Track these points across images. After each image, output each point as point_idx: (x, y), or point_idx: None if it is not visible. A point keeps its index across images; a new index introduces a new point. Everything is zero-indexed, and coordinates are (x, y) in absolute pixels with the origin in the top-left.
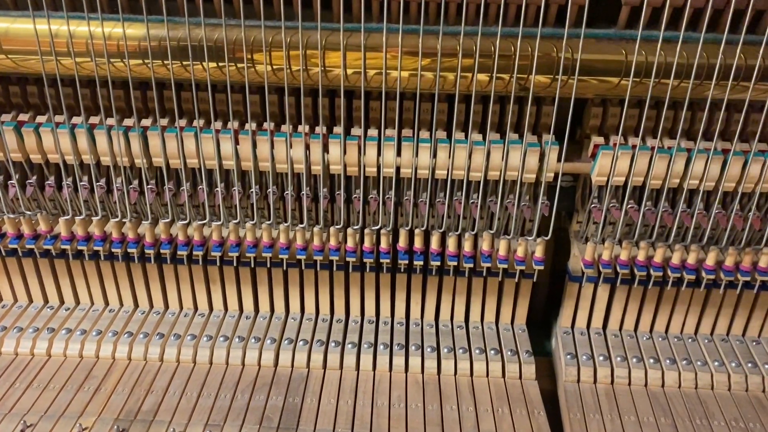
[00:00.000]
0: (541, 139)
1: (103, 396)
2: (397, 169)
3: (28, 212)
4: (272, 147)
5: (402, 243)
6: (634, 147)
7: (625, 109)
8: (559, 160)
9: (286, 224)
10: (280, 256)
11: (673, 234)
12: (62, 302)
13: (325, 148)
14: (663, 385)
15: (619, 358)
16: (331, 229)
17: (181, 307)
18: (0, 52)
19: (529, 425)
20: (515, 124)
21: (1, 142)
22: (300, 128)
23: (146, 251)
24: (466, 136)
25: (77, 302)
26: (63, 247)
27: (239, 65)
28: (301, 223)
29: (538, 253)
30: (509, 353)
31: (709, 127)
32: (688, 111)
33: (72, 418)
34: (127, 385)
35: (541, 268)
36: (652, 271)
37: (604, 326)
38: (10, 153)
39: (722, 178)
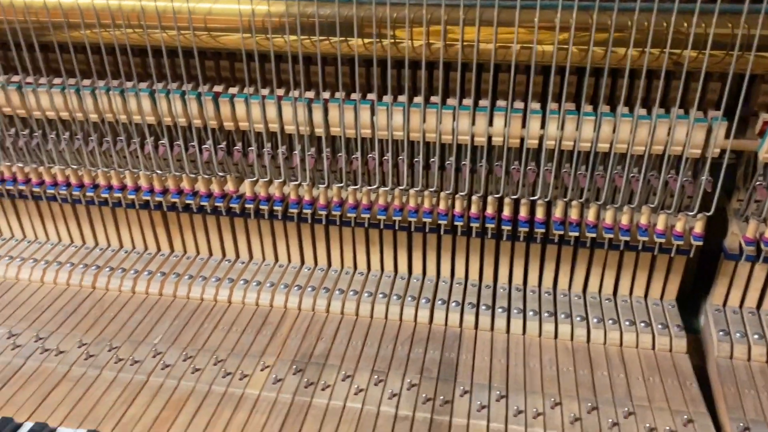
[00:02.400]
0: (706, 114)
1: (280, 340)
2: (558, 140)
3: (221, 174)
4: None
5: (558, 214)
6: None
7: None
8: (727, 136)
9: (446, 192)
10: (439, 222)
11: None
12: (238, 256)
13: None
14: None
15: None
16: (489, 198)
17: (342, 265)
18: (204, 30)
19: (681, 395)
20: (680, 100)
21: (201, 111)
22: (466, 101)
23: (318, 213)
24: (631, 111)
25: (251, 256)
26: (247, 206)
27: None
28: (458, 191)
29: (698, 228)
30: (659, 327)
31: None
32: None
33: (255, 356)
34: (299, 331)
35: (700, 244)
36: None
37: (758, 306)
38: (209, 120)
39: None
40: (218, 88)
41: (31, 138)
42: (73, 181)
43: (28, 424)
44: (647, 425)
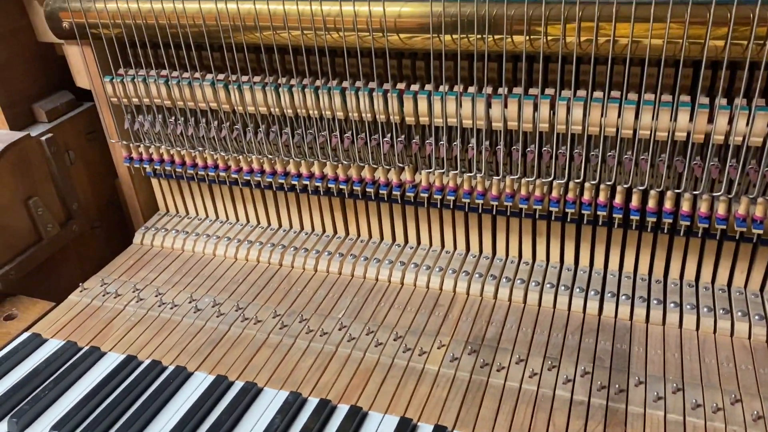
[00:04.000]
0: None
1: (452, 321)
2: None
3: (400, 165)
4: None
5: (721, 212)
6: None
7: None
8: None
9: (623, 185)
10: (615, 216)
11: None
12: (406, 241)
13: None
14: None
15: None
16: (652, 191)
17: (507, 255)
18: (394, 31)
19: None
20: None
21: (412, 108)
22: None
23: (490, 203)
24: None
25: (418, 242)
26: (421, 195)
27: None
28: (625, 183)
29: None
30: None
31: None
32: None
33: (431, 335)
34: (469, 315)
35: None
36: None
37: None
38: (421, 117)
39: None
40: (401, 86)
41: (232, 130)
42: (266, 169)
43: (239, 383)
44: None
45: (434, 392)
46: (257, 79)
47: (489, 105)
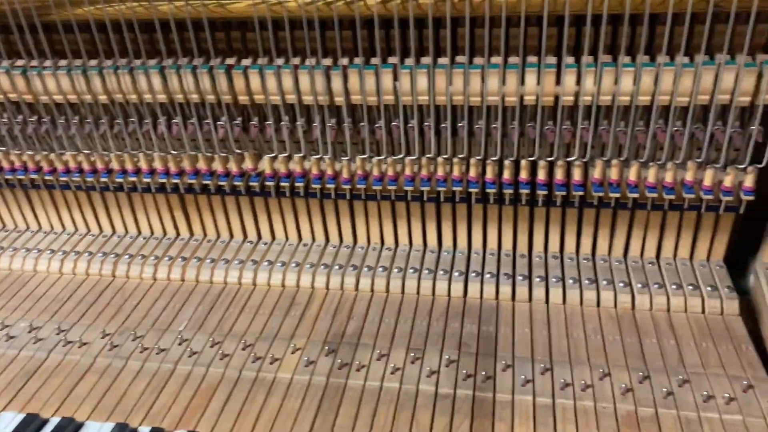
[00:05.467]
0: (754, 59)
1: (309, 321)
2: (595, 95)
3: (238, 151)
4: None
5: (597, 175)
6: None
7: None
8: None
9: (477, 158)
10: (470, 190)
11: None
12: (259, 237)
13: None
14: None
15: None
16: (522, 162)
17: (369, 241)
18: None
19: (738, 360)
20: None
21: (213, 85)
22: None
23: (342, 186)
24: (672, 59)
25: (273, 237)
26: (267, 183)
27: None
28: (488, 156)
29: (748, 182)
30: (709, 289)
31: None
32: None
33: (285, 339)
34: (328, 311)
35: (751, 198)
36: None
37: None
38: (222, 95)
39: None
40: (230, 61)
41: (40, 124)
42: (85, 167)
43: (55, 420)
44: (704, 393)
45: (286, 404)
46: (64, 62)
47: (329, 78)
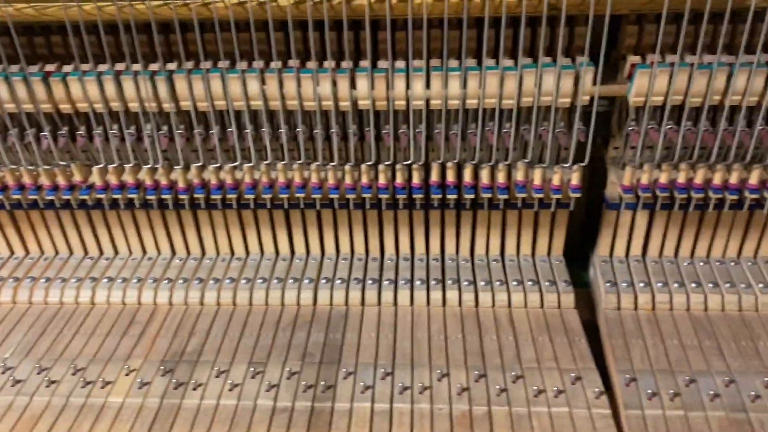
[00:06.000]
0: (575, 62)
1: (148, 339)
2: (427, 101)
3: (62, 163)
4: (299, 85)
5: (435, 177)
6: (672, 64)
7: (662, 25)
8: (594, 82)
9: (317, 163)
10: (313, 196)
11: (714, 154)
12: (101, 252)
13: (352, 83)
14: (706, 309)
15: (659, 284)
16: (363, 166)
17: (218, 252)
18: (22, 0)
19: (570, 352)
20: (547, 49)
21: (30, 93)
22: (326, 64)
23: (179, 197)
24: (497, 63)
25: (116, 252)
26: (98, 196)
27: (261, 0)
28: (332, 161)
29: (575, 180)
30: (547, 284)
31: (752, 39)
32: (729, 24)
33: (120, 361)
34: (169, 329)
35: (578, 195)
36: (692, 194)
37: (644, 254)
38: (40, 104)
39: (766, 92)
40: (51, 67)
41: None
42: None
43: None
44: (535, 388)
45: (115, 428)
46: None
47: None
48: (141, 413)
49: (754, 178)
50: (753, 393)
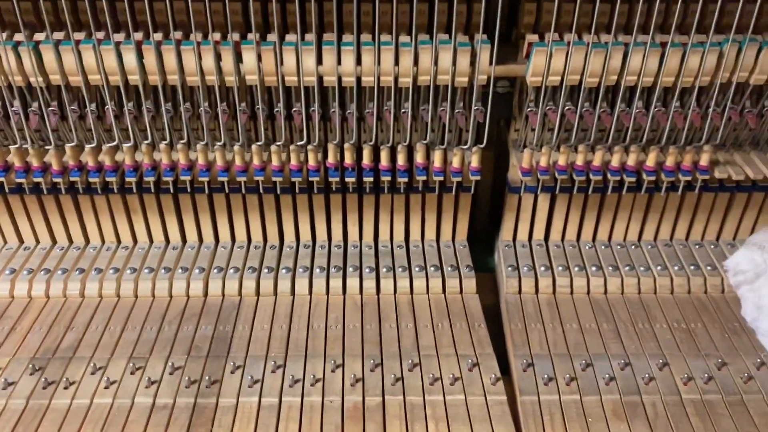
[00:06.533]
0: (473, 40)
1: (19, 335)
2: (320, 78)
3: None
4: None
5: (332, 160)
6: (569, 43)
7: (557, 4)
8: (491, 62)
9: (202, 143)
10: (201, 179)
11: (611, 136)
12: None
13: (240, 59)
14: (605, 292)
15: (560, 268)
16: (254, 147)
17: (103, 241)
18: None
19: (469, 338)
20: (445, 25)
21: None
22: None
23: (54, 180)
24: (393, 40)
25: (4, 241)
26: None
27: None
28: (221, 141)
29: (475, 162)
30: (449, 269)
31: (647, 20)
32: (624, 4)
33: None
34: (44, 323)
35: (478, 178)
36: (591, 176)
37: (546, 238)
38: None
39: (660, 72)
40: None
41: None
42: None
43: None
44: (431, 375)
45: None
46: None
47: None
48: (3, 415)
49: (650, 160)
50: (647, 375)
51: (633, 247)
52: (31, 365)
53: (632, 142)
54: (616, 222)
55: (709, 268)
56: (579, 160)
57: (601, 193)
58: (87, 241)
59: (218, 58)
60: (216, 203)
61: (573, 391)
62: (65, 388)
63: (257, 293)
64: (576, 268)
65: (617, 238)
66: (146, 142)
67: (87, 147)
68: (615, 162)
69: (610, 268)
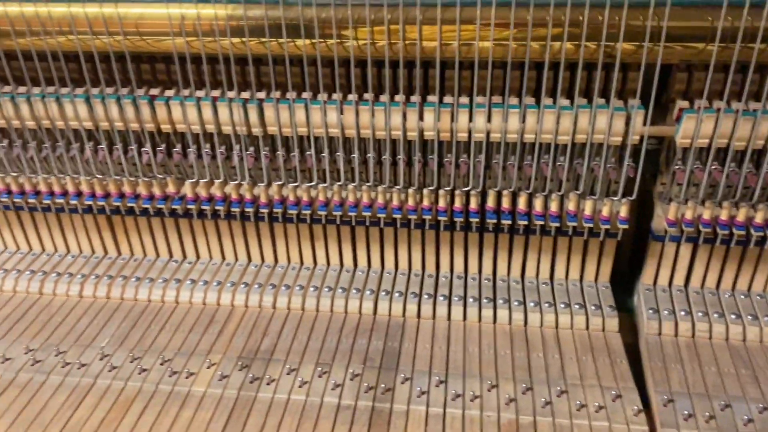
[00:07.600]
0: (626, 104)
1: (226, 337)
2: (487, 134)
3: (159, 176)
4: (372, 116)
5: (491, 204)
6: (718, 110)
7: (710, 74)
8: (645, 123)
9: (383, 186)
10: (378, 215)
11: (756, 195)
12: (185, 256)
13: (420, 116)
14: (744, 340)
15: (700, 314)
16: (425, 190)
17: (289, 261)
18: (136, 34)
19: (611, 372)
20: (602, 90)
21: (138, 114)
22: (397, 98)
23: (260, 210)
24: (554, 103)
25: (198, 256)
26: (188, 207)
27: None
28: (397, 184)
29: (623, 213)
30: (593, 308)
31: None
32: None
33: (202, 354)
34: (245, 328)
35: (626, 227)
36: (734, 230)
37: (686, 284)
38: (144, 124)
39: None
40: (155, 91)
41: None
42: (14, 188)
43: None
44: (578, 402)
45: (198, 415)
46: (8, 89)
47: (246, 110)
48: (221, 403)
49: None
50: None
51: None
52: (239, 362)
53: None
54: (756, 273)
55: None
56: (723, 215)
57: (743, 246)
58: (276, 260)
59: (404, 117)
60: (386, 235)
61: (712, 428)
62: (267, 384)
63: (418, 315)
64: (715, 315)
65: (757, 289)
66: (338, 183)
67: (289, 185)
68: (759, 219)
69: (749, 317)
